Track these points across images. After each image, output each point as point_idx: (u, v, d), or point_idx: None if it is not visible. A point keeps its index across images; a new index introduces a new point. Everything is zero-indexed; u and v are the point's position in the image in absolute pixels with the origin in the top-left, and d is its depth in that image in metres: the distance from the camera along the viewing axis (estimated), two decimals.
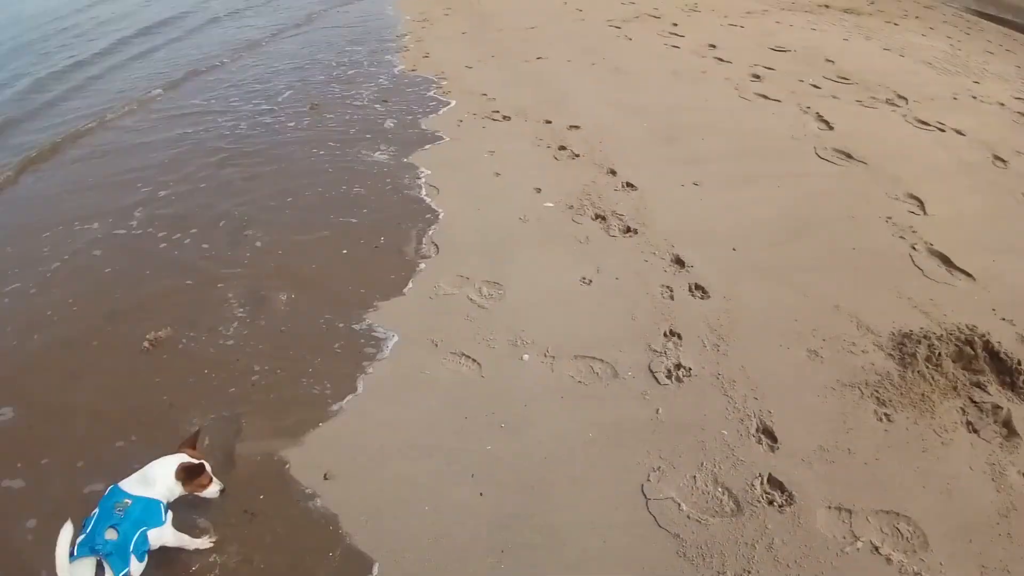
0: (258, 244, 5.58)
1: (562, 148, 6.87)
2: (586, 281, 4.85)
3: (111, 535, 2.76)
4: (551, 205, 5.79)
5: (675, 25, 10.92)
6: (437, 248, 5.32)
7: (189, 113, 8.76)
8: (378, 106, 8.47)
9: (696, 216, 5.61)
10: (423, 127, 7.64)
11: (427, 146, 7.12)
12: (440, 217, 5.75)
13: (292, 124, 8.15)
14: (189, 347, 4.51)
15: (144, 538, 2.88)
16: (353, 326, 4.57)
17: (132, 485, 2.98)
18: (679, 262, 5.00)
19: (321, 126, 7.99)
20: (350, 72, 10.04)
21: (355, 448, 3.71)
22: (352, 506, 3.41)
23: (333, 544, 3.25)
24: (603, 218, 5.58)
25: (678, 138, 7.01)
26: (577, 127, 7.36)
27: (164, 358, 4.44)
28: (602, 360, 4.14)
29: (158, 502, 2.98)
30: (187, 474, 3.06)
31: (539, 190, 6.04)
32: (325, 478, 3.55)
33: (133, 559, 2.81)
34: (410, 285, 4.93)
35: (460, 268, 5.03)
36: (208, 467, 3.17)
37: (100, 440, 3.88)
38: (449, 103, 8.32)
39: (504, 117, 7.74)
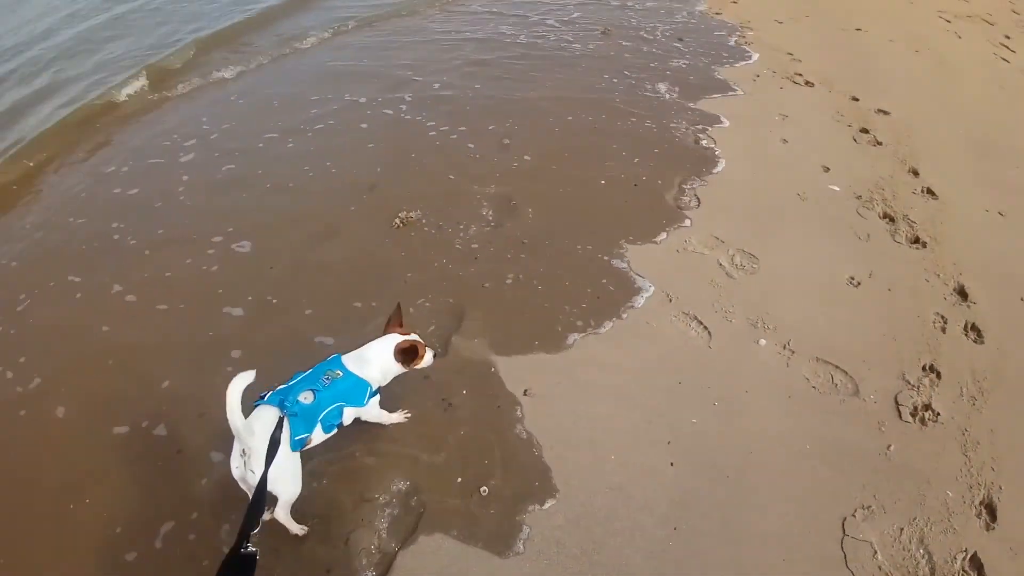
0: (525, 157, 5.64)
1: (864, 131, 6.07)
2: (854, 282, 4.30)
3: (306, 398, 2.84)
4: (837, 189, 5.17)
5: (1008, 38, 8.98)
6: (699, 202, 5.00)
7: (479, 14, 9.03)
8: (675, 43, 8.08)
9: (994, 249, 4.71)
10: (717, 75, 7.15)
11: (716, 95, 6.66)
12: (711, 171, 5.38)
13: (578, 45, 8.09)
14: (435, 234, 4.74)
15: (339, 412, 2.98)
16: (607, 260, 4.48)
17: (350, 361, 3.05)
18: (962, 294, 4.26)
19: (609, 53, 7.81)
20: (648, 2, 9.66)
21: (562, 376, 3.68)
22: (544, 428, 3.41)
23: (517, 455, 3.30)
24: (891, 219, 4.88)
25: (992, 157, 5.90)
26: (886, 112, 6.46)
27: (411, 236, 4.72)
28: (846, 372, 3.68)
29: (367, 384, 3.05)
30: (404, 355, 3.08)
31: (827, 169, 5.42)
32: (525, 394, 3.57)
33: (319, 428, 2.90)
34: (663, 235, 4.69)
35: (718, 229, 4.69)
36: (420, 342, 3.12)
37: (336, 297, 4.20)
38: (749, 55, 7.70)
39: (807, 82, 7.00)
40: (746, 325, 3.95)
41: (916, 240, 4.68)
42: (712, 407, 3.49)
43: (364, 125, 6.20)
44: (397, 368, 3.13)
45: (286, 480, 2.78)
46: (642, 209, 4.94)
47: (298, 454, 2.84)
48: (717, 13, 9.17)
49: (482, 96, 6.76)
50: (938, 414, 3.46)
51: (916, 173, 5.43)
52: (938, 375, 3.70)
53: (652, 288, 4.21)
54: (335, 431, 3.01)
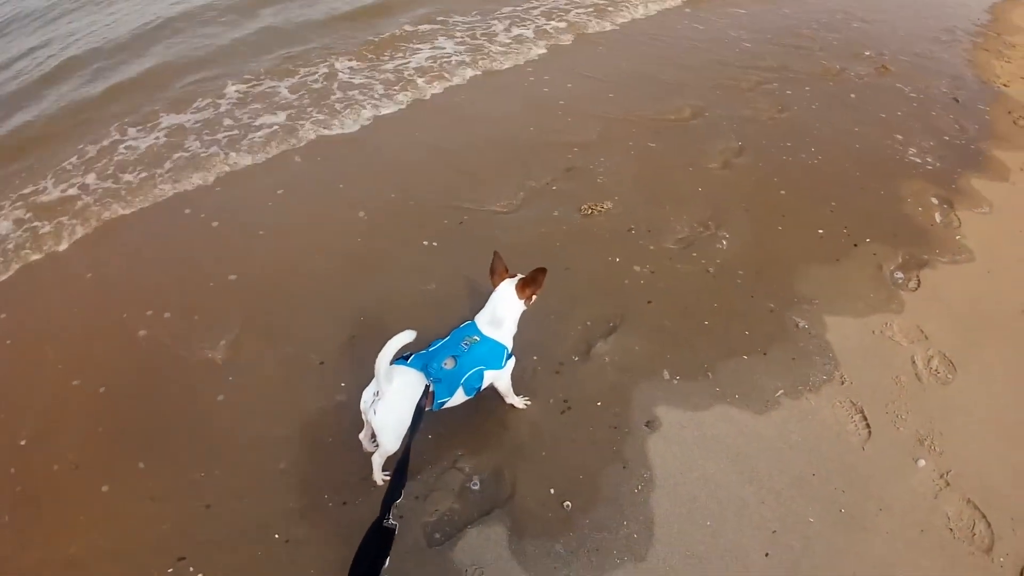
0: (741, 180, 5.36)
1: None
2: None
3: (448, 364, 3.00)
4: None
5: None
6: (918, 284, 4.47)
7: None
8: (951, 101, 7.10)
9: None
10: (986, 152, 6.21)
11: (981, 176, 5.77)
12: (944, 256, 4.76)
13: (853, 72, 7.38)
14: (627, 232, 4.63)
15: (479, 376, 3.12)
16: (794, 319, 4.20)
17: (484, 325, 3.15)
18: None
19: (879, 96, 7.00)
20: (936, 49, 8.50)
21: (694, 423, 3.56)
22: (650, 466, 3.36)
23: (612, 483, 3.29)
24: None
25: None
26: None
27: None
28: (989, 524, 3.21)
29: (503, 348, 3.17)
30: (527, 287, 3.17)
31: None
32: (647, 425, 3.48)
33: (460, 391, 3.06)
34: (862, 308, 4.29)
35: (927, 322, 4.18)
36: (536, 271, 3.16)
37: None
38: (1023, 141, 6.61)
39: None
40: (912, 438, 3.53)
41: None
42: (837, 513, 3.21)
43: None
44: (522, 306, 3.20)
45: (394, 431, 2.94)
46: (854, 274, 4.52)
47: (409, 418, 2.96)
48: (1005, 85, 7.91)
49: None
50: None
51: None
52: None
53: (829, 365, 3.87)
54: (476, 393, 3.18)
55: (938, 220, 5.11)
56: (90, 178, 5.48)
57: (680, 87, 6.79)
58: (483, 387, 3.21)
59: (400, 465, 2.62)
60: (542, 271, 3.12)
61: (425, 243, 4.68)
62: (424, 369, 2.96)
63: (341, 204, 5.10)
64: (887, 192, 5.36)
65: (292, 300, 4.29)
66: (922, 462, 3.43)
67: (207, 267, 4.55)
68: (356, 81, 6.86)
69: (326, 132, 6.02)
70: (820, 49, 7.89)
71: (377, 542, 2.26)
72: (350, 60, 7.27)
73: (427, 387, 2.92)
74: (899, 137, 6.19)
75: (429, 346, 3.12)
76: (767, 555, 3.03)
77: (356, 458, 3.36)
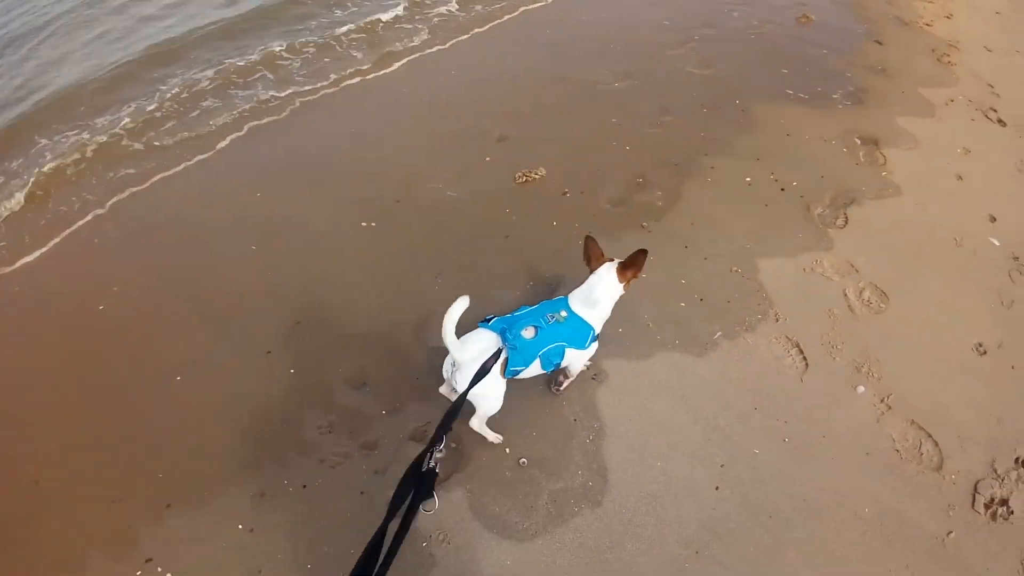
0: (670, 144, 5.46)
1: None
2: (980, 349, 3.86)
3: (528, 333, 2.97)
4: (996, 243, 4.57)
5: None
6: (846, 221, 4.62)
7: None
8: (876, 44, 7.28)
9: None
10: (921, 91, 6.40)
11: (909, 117, 5.96)
12: (871, 193, 4.91)
13: (775, 24, 7.55)
14: (563, 196, 4.70)
15: (560, 352, 3.09)
16: (730, 266, 4.29)
17: (576, 303, 3.13)
18: None
19: (802, 45, 7.16)
20: None
21: (642, 373, 3.64)
22: (602, 417, 3.46)
23: (565, 434, 3.40)
24: None
25: None
26: None
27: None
28: (936, 443, 3.38)
29: (591, 329, 3.13)
30: (628, 269, 3.13)
31: (993, 219, 4.78)
32: (594, 378, 3.58)
33: (537, 363, 3.04)
34: (791, 248, 4.41)
35: (856, 256, 4.34)
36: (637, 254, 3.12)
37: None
38: (949, 78, 6.78)
39: (1000, 120, 6.09)
40: (849, 367, 3.68)
41: None
42: (781, 443, 3.34)
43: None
44: (621, 290, 3.18)
45: (488, 398, 3.06)
46: (785, 218, 4.64)
47: (504, 380, 3.06)
48: (927, 24, 8.14)
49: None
50: (1012, 512, 3.14)
51: None
52: None
53: (764, 304, 4.00)
54: (554, 369, 3.17)
55: (863, 159, 5.27)
56: None
57: (609, 53, 6.85)
58: (563, 364, 3.19)
59: (450, 411, 2.70)
60: (643, 253, 3.07)
61: (363, 224, 4.68)
62: (502, 334, 2.95)
63: (275, 191, 5.07)
64: (811, 137, 5.50)
65: (232, 294, 4.27)
66: (861, 388, 3.58)
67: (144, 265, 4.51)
68: (283, 65, 6.80)
69: (258, 122, 5.96)
70: (744, 4, 8.00)
71: (414, 482, 2.32)
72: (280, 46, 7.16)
73: (499, 351, 2.93)
74: (822, 82, 6.34)
75: (515, 311, 3.13)
76: (717, 488, 3.15)
77: (311, 440, 3.39)
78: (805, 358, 3.70)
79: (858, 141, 5.47)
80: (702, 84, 6.27)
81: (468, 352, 2.88)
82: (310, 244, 4.58)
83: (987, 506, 3.15)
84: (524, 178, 5.00)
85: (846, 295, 4.08)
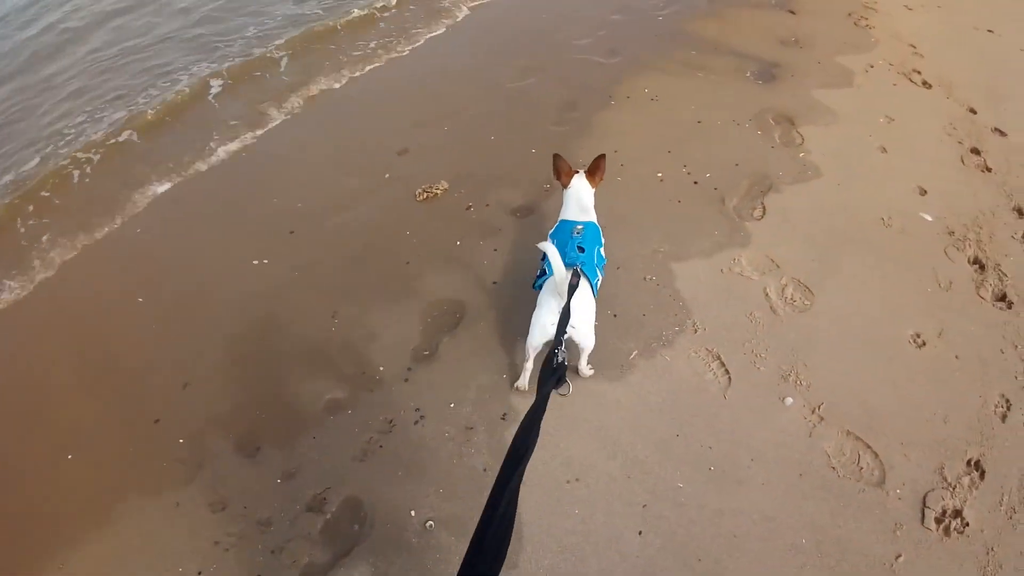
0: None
1: (975, 151, 5.05)
2: (918, 340, 3.63)
3: (580, 252, 3.12)
4: (929, 219, 4.37)
5: None
6: (764, 211, 4.36)
7: None
8: (788, 14, 7.07)
9: None
10: (838, 60, 6.19)
11: (826, 89, 5.73)
12: (789, 176, 4.66)
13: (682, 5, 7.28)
14: (465, 211, 4.34)
15: (601, 256, 3.30)
16: (642, 273, 4.00)
17: (577, 214, 3.38)
18: None
19: (718, 26, 6.90)
20: None
21: (550, 402, 3.30)
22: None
23: (483, 482, 3.08)
24: (981, 267, 4.07)
25: None
26: (1003, 133, 5.34)
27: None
28: (876, 455, 3.11)
29: (597, 227, 3.39)
30: (595, 174, 3.51)
31: (923, 192, 4.58)
32: (503, 418, 3.28)
33: (599, 272, 3.22)
34: (708, 247, 4.13)
35: (776, 249, 4.08)
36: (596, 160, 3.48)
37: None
38: (868, 42, 6.59)
39: (924, 83, 5.92)
40: (775, 376, 3.41)
41: (1003, 297, 3.90)
42: (707, 472, 3.05)
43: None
44: (593, 192, 3.50)
45: (592, 324, 3.09)
46: (694, 213, 4.36)
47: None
48: None
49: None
50: (967, 524, 2.87)
51: (1021, 213, 4.48)
52: (982, 474, 3.07)
53: (681, 314, 3.71)
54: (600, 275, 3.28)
55: (779, 140, 5.03)
56: None
57: (515, 50, 6.52)
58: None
59: (564, 312, 2.82)
60: (602, 156, 3.48)
61: (255, 262, 4.30)
62: (568, 264, 2.97)
63: (160, 232, 4.65)
64: (724, 121, 5.25)
65: (116, 354, 3.86)
66: (789, 400, 3.31)
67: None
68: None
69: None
70: None
71: (551, 372, 2.48)
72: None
73: (575, 272, 2.99)
74: (733, 61, 6.09)
75: (542, 259, 3.16)
76: (640, 533, 2.85)
77: (202, 520, 3.05)
78: (727, 371, 3.42)
79: (772, 121, 5.23)
80: (609, 74, 5.96)
81: (578, 301, 2.93)
82: (198, 290, 4.17)
83: (939, 520, 2.89)
84: (425, 194, 4.65)
85: (767, 295, 3.81)
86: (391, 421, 3.29)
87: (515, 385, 3.36)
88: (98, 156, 5.37)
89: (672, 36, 6.61)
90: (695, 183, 4.58)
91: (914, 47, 6.58)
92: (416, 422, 3.29)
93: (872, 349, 3.56)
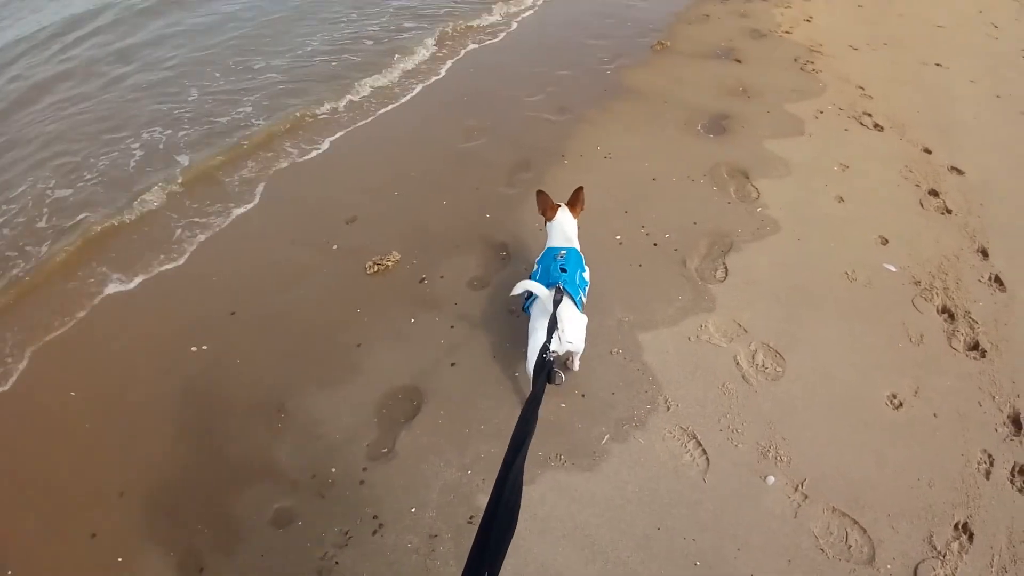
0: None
1: (933, 193, 5.05)
2: (895, 401, 3.50)
3: (562, 272, 3.32)
4: (893, 269, 4.30)
5: None
6: (726, 272, 4.24)
7: None
8: (735, 63, 7.11)
9: None
10: (788, 108, 6.20)
11: (778, 139, 5.69)
12: (749, 234, 4.56)
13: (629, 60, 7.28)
14: (421, 283, 4.12)
15: (583, 278, 3.48)
16: (607, 348, 3.76)
17: (562, 243, 3.58)
18: (1017, 423, 3.41)
19: (663, 81, 6.90)
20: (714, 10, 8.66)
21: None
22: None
23: None
24: (951, 316, 4.00)
25: None
26: (960, 172, 5.37)
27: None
28: (865, 531, 2.93)
29: (579, 253, 3.58)
30: (576, 205, 3.79)
31: (885, 241, 4.53)
32: (470, 521, 2.99)
33: (581, 292, 3.37)
34: (673, 314, 3.98)
35: (743, 313, 3.95)
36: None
37: None
38: (817, 87, 6.65)
39: (876, 125, 5.97)
40: (754, 453, 3.23)
41: (975, 346, 3.82)
42: (692, 568, 2.83)
43: None
44: (576, 222, 3.77)
45: (582, 333, 3.28)
46: (656, 278, 4.21)
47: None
48: (787, 32, 8.10)
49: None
50: None
51: (985, 254, 4.46)
52: (970, 537, 2.94)
53: (651, 391, 3.52)
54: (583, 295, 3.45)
55: (735, 196, 4.95)
56: None
57: (468, 109, 6.40)
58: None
59: (552, 320, 3.01)
60: (580, 189, 3.81)
61: (193, 349, 3.99)
62: (548, 285, 3.21)
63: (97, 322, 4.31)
64: (678, 178, 5.16)
65: (49, 461, 3.47)
66: (771, 479, 3.13)
67: None
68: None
69: None
70: (600, 37, 7.73)
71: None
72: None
73: (558, 288, 3.18)
74: (687, 114, 6.06)
75: (532, 276, 3.41)
76: None
77: None
78: (705, 452, 3.23)
79: (727, 175, 5.16)
80: (560, 131, 5.86)
81: (562, 304, 3.13)
82: (133, 382, 3.82)
83: None
84: (376, 267, 4.42)
85: (738, 363, 3.66)
86: (347, 533, 3.00)
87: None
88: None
89: (621, 90, 6.57)
90: (655, 244, 4.45)
91: (862, 88, 6.66)
92: (375, 532, 3.00)
93: (849, 415, 3.41)
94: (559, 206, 3.71)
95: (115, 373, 3.90)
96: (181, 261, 4.69)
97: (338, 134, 6.12)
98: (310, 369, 3.78)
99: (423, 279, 4.31)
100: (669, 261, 4.32)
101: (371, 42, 8.04)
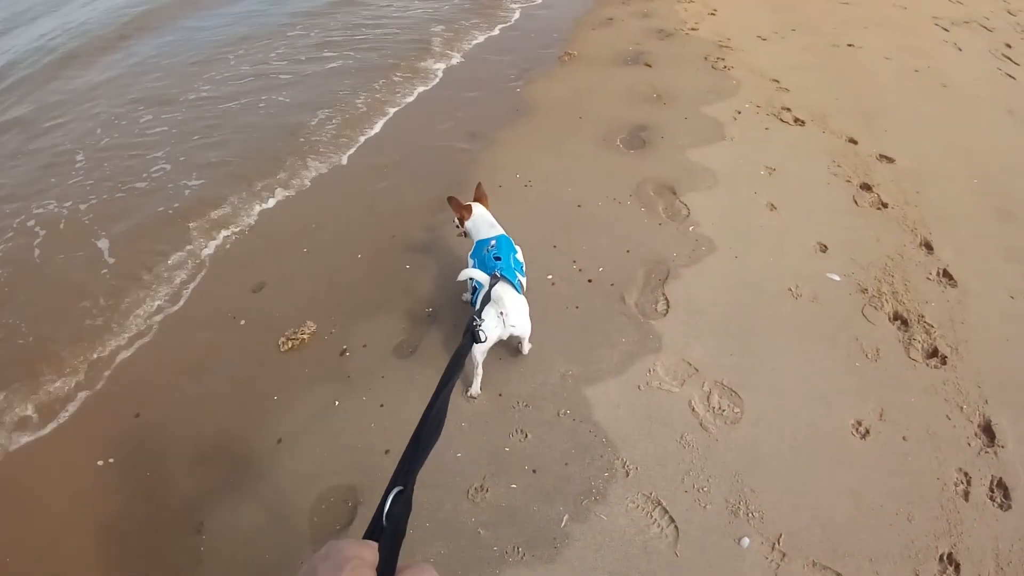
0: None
1: (866, 187, 4.95)
2: (860, 430, 3.31)
3: (498, 260, 3.44)
4: (837, 279, 4.15)
5: (1009, 47, 7.62)
6: (667, 305, 3.99)
7: None
8: (645, 68, 6.92)
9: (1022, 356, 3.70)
10: (705, 112, 6.02)
11: (700, 148, 5.50)
12: (685, 257, 4.33)
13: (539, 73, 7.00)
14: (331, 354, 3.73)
15: (517, 260, 3.60)
16: (561, 411, 3.49)
17: (488, 230, 3.72)
18: (988, 432, 3.28)
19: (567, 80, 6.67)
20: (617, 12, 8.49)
21: None
22: None
23: None
24: (905, 323, 3.86)
25: (1015, 215, 4.72)
26: (890, 160, 5.30)
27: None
28: None
29: (508, 237, 3.69)
30: (483, 199, 3.94)
31: (824, 248, 4.37)
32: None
33: (518, 274, 3.48)
34: (626, 362, 3.68)
35: (690, 349, 3.70)
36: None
37: None
38: (731, 86, 6.52)
39: (796, 120, 5.86)
40: (724, 512, 2.97)
41: (934, 353, 3.68)
42: None
43: None
44: None
45: (526, 315, 3.39)
46: (597, 321, 3.92)
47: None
48: (693, 28, 7.98)
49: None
50: None
51: (930, 247, 4.36)
52: (956, 567, 2.77)
53: (608, 455, 3.23)
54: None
55: (664, 215, 4.72)
56: None
57: (374, 151, 6.01)
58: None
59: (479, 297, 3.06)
60: (479, 184, 4.02)
61: (99, 463, 3.50)
62: (489, 274, 3.33)
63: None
64: (604, 202, 4.92)
65: None
66: (746, 540, 2.87)
67: None
68: None
69: None
70: (506, 52, 7.42)
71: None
72: None
73: (495, 276, 3.29)
74: (604, 129, 5.81)
75: (467, 273, 3.43)
76: None
77: None
78: (673, 519, 2.95)
79: (653, 193, 4.94)
80: (474, 160, 5.55)
81: (505, 292, 3.25)
82: (43, 515, 3.31)
83: None
84: (290, 342, 4.01)
85: (694, 408, 3.40)
86: None
87: (468, 393, 3.51)
88: None
89: (533, 107, 6.30)
90: (589, 281, 4.17)
91: (777, 81, 6.55)
92: None
93: (817, 454, 3.19)
94: (471, 205, 3.84)
95: (25, 507, 3.39)
96: None
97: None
98: (227, 476, 3.35)
99: (344, 351, 3.92)
100: (607, 298, 4.04)
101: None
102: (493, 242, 3.57)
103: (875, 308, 3.93)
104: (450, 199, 3.83)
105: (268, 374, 3.85)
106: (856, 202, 4.80)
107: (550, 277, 4.22)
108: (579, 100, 6.37)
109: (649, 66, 6.95)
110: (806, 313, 3.91)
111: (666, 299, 4.00)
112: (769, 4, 8.79)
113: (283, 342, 4.01)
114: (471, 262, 3.57)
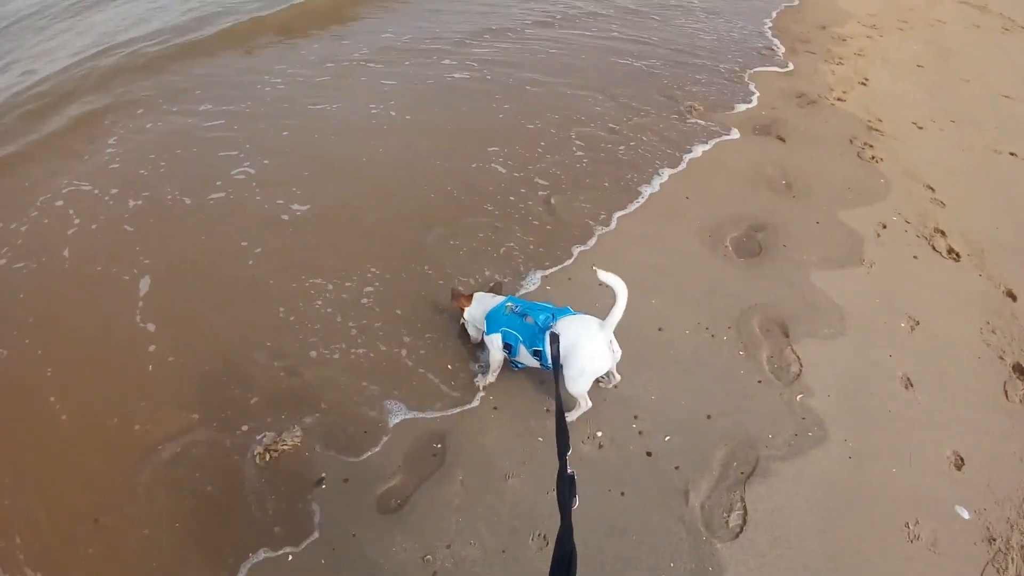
0: None
1: (1019, 372, 3.72)
2: None
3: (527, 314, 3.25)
4: (966, 516, 2.99)
5: None
6: (743, 520, 2.94)
7: None
8: (777, 141, 5.74)
9: None
10: (843, 218, 4.83)
11: (829, 271, 4.35)
12: (777, 441, 3.25)
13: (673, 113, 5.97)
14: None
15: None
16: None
17: (492, 301, 3.48)
18: None
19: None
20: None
21: None
22: None
23: None
24: None
25: None
26: None
27: None
28: None
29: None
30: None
31: (960, 463, 3.21)
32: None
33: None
34: None
35: None
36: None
37: None
38: (879, 185, 5.27)
39: (950, 251, 4.54)
40: None
41: None
42: None
43: None
44: None
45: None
46: (644, 523, 2.92)
47: None
48: (839, 99, 6.68)
49: None
50: None
51: None
52: None
53: None
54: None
55: (767, 368, 3.66)
56: None
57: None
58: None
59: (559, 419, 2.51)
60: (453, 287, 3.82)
61: None
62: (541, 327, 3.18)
63: None
64: (692, 331, 3.87)
65: None
66: None
67: None
68: None
69: None
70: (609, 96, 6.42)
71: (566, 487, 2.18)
72: None
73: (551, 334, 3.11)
74: (713, 223, 4.73)
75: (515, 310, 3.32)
76: None
77: None
78: None
79: (759, 331, 3.86)
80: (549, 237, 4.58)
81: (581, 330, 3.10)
82: None
83: None
84: (269, 454, 3.22)
85: None
86: None
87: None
88: None
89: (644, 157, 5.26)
90: (648, 455, 3.17)
91: (932, 190, 5.30)
92: None
93: None
94: (470, 295, 3.63)
95: None
96: None
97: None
98: None
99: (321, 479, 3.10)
100: (665, 488, 3.02)
101: None
102: (511, 304, 3.35)
103: (998, 571, 2.79)
104: (453, 291, 3.67)
105: (243, 491, 3.08)
106: (1006, 394, 3.60)
107: (600, 434, 3.25)
108: (691, 172, 5.30)
109: (783, 140, 5.78)
110: (919, 568, 2.79)
111: (744, 509, 2.96)
112: (926, 81, 7.37)
113: (260, 453, 3.24)
114: (491, 338, 3.37)
